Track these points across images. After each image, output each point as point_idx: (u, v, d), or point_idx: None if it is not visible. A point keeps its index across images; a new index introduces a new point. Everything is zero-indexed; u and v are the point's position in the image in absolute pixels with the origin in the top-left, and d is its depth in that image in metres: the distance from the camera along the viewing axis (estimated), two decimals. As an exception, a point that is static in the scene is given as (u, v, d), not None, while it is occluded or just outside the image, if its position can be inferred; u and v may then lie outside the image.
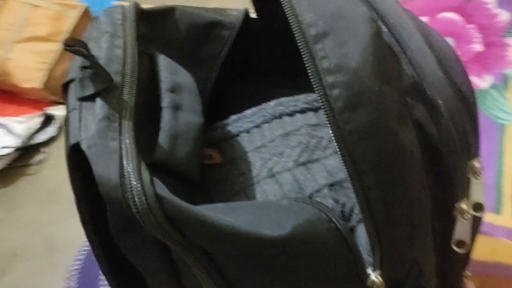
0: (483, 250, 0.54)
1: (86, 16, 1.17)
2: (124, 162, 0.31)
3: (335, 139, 0.32)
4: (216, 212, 0.32)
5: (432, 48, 0.38)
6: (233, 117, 0.50)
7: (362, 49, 0.32)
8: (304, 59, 0.32)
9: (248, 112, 0.50)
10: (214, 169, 0.47)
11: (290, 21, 0.32)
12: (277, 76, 0.52)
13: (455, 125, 0.38)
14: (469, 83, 0.40)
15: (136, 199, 0.30)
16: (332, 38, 0.32)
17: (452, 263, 0.48)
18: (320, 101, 0.32)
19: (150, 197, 0.30)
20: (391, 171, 0.34)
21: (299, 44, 0.32)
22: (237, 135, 0.49)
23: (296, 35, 0.32)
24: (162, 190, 0.31)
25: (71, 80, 0.38)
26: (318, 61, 0.32)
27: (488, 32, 1.00)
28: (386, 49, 0.34)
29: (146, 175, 0.31)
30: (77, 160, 0.34)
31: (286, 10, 0.33)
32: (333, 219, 0.35)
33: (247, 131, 0.49)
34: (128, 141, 0.33)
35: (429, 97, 0.37)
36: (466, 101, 0.39)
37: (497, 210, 0.74)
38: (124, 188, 0.30)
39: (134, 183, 0.30)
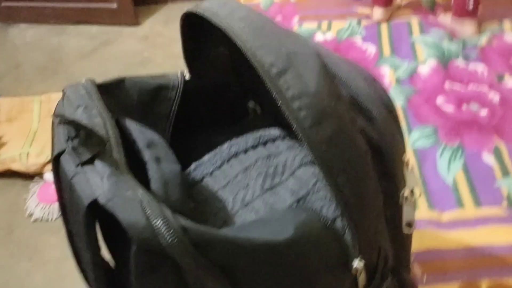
0: (413, 241, 0.64)
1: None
2: (145, 205, 0.35)
3: (310, 150, 0.39)
4: (231, 232, 0.37)
5: (356, 71, 0.48)
6: (194, 165, 0.55)
7: (316, 77, 0.40)
8: (273, 91, 0.39)
9: (206, 157, 0.55)
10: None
11: (254, 65, 0.40)
12: (221, 124, 0.59)
13: (387, 128, 0.48)
14: (387, 94, 0.51)
15: (165, 234, 0.34)
16: (291, 72, 0.40)
17: (403, 246, 0.56)
18: (290, 122, 0.39)
19: (177, 229, 0.34)
20: (357, 169, 0.41)
21: (265, 81, 0.39)
22: (202, 179, 0.54)
23: (261, 75, 0.40)
24: (185, 221, 0.35)
25: (61, 153, 0.41)
26: (284, 92, 0.39)
27: (363, 65, 1.16)
28: (331, 75, 0.43)
29: (168, 212, 0.35)
30: (93, 217, 0.37)
31: (249, 57, 0.40)
32: (322, 219, 0.42)
33: (210, 174, 0.54)
34: (139, 189, 0.37)
35: (364, 108, 0.46)
36: (389, 107, 0.49)
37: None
38: (152, 226, 0.34)
39: (160, 220, 0.34)
